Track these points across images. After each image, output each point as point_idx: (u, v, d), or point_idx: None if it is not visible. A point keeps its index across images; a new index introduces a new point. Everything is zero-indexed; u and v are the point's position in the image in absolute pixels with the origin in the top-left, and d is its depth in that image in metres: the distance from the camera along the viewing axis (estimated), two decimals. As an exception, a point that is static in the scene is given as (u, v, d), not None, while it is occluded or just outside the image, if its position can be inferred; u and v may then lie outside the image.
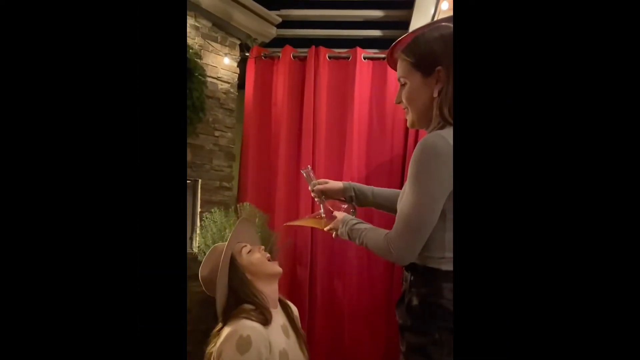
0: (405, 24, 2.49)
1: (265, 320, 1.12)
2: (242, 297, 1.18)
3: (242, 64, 2.54)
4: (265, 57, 2.56)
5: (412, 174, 0.91)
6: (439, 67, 0.97)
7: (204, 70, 2.24)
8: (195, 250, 2.10)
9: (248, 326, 1.06)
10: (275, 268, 1.26)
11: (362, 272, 2.33)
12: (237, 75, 2.47)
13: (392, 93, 2.45)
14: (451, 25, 0.99)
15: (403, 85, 1.05)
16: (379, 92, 2.49)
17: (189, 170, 2.23)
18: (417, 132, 2.40)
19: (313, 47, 2.51)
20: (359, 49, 2.48)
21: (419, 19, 2.30)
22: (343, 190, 1.29)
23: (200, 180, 2.27)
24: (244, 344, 1.01)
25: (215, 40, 2.38)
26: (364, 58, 2.49)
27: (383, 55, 2.46)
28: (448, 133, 0.90)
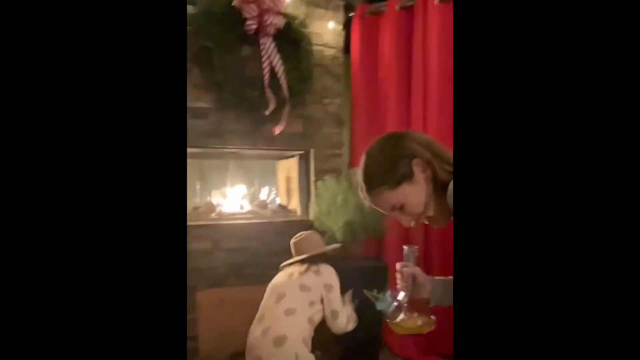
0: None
1: None
2: None
3: (347, 25, 2.48)
4: (370, 15, 2.45)
5: None
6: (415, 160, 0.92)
7: (310, 39, 2.25)
8: (312, 217, 2.23)
9: None
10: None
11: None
12: (342, 39, 2.43)
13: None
14: None
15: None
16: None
17: (301, 141, 2.33)
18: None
19: (419, -5, 2.30)
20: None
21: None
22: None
23: (312, 150, 2.35)
24: None
25: (319, 6, 2.35)
26: None
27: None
28: None
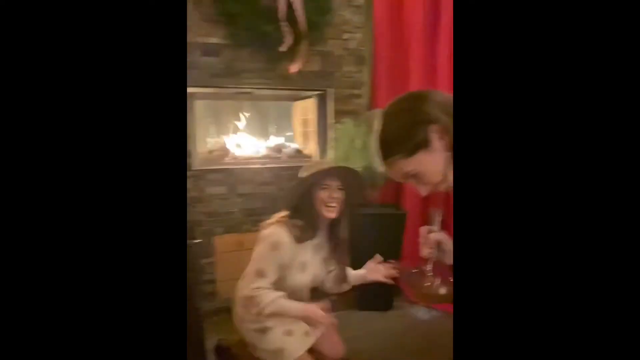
0: None
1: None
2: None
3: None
4: (396, -64, 2.18)
5: None
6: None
7: (328, -35, 2.03)
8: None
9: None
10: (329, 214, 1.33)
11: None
12: (364, -35, 2.19)
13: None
14: None
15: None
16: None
17: (319, 81, 2.19)
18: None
19: None
20: None
21: None
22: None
23: (328, 90, 2.22)
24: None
25: None
26: None
27: None
28: None
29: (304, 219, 1.31)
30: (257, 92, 2.14)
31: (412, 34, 2.20)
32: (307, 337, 1.30)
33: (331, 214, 1.32)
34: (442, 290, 0.90)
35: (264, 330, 1.27)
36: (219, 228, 2.08)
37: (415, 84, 2.20)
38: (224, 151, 2.21)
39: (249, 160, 2.20)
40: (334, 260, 1.42)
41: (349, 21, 2.23)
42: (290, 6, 1.96)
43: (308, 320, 1.29)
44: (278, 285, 1.28)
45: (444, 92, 0.85)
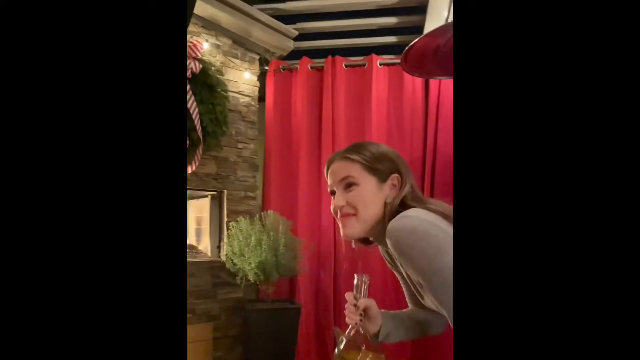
0: (420, 28, 2.52)
1: None
2: None
3: (262, 77, 2.64)
4: (283, 70, 2.64)
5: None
6: (396, 174, 0.94)
7: (226, 85, 2.34)
8: (224, 258, 2.17)
9: None
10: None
11: (386, 275, 2.35)
12: (257, 88, 2.56)
13: (409, 97, 2.48)
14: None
15: (349, 186, 0.94)
16: (396, 97, 2.52)
17: (214, 182, 2.32)
18: (435, 134, 2.41)
19: (330, 57, 2.57)
20: (374, 56, 2.53)
21: (433, 23, 2.32)
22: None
23: (225, 191, 2.35)
24: None
25: (236, 57, 2.48)
26: (380, 64, 2.53)
27: (398, 61, 2.50)
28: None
29: None
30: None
31: (300, 145, 2.54)
32: None
33: None
34: (369, 357, 0.86)
35: None
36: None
37: (303, 188, 2.46)
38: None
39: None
40: None
41: (244, 133, 2.49)
42: (188, 116, 2.17)
43: None
44: None
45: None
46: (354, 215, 0.93)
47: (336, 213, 0.96)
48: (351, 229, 0.94)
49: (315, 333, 2.37)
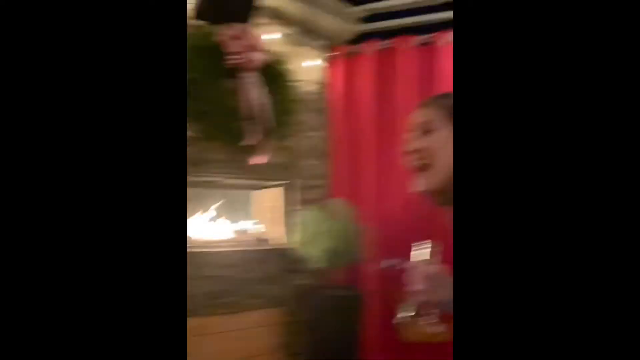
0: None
1: None
2: None
3: (328, 63, 2.62)
4: (349, 55, 2.60)
5: None
6: None
7: (293, 75, 2.36)
8: (294, 245, 2.24)
9: None
10: None
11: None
12: (323, 76, 2.55)
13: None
14: None
15: (428, 132, 0.86)
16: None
17: (283, 172, 2.38)
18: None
19: (396, 37, 2.47)
20: (443, 33, 2.39)
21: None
22: None
23: (298, 180, 2.41)
24: None
25: (302, 45, 2.48)
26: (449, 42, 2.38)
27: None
28: None
29: None
30: (225, 180, 2.30)
31: (366, 130, 2.50)
32: None
33: None
34: (436, 329, 0.81)
35: None
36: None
37: (370, 174, 2.44)
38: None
39: (215, 243, 2.26)
40: None
41: (310, 121, 2.52)
42: (257, 107, 2.23)
43: None
44: None
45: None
46: (430, 164, 0.84)
47: (410, 162, 0.88)
48: (426, 180, 0.85)
49: (380, 320, 2.36)
